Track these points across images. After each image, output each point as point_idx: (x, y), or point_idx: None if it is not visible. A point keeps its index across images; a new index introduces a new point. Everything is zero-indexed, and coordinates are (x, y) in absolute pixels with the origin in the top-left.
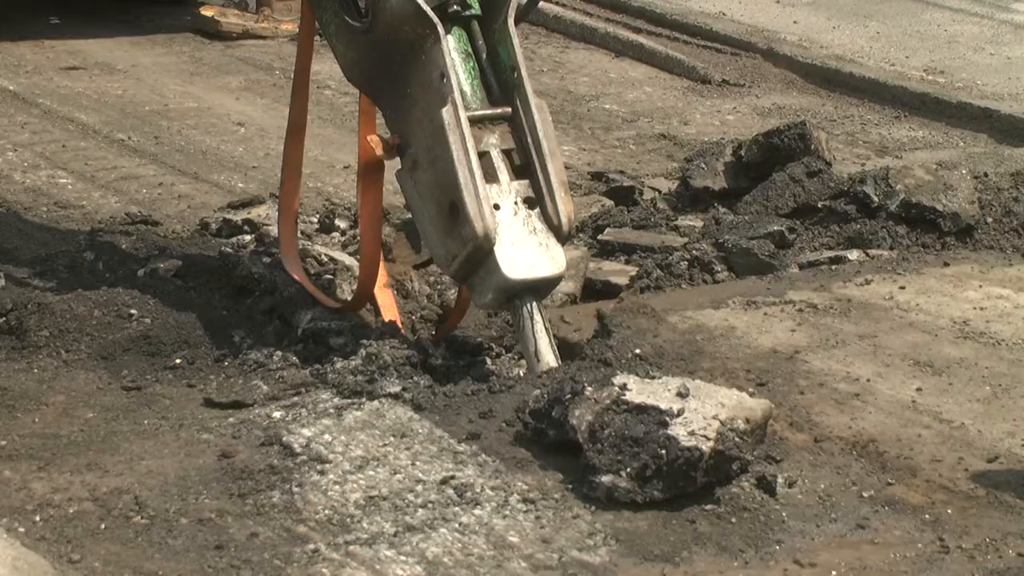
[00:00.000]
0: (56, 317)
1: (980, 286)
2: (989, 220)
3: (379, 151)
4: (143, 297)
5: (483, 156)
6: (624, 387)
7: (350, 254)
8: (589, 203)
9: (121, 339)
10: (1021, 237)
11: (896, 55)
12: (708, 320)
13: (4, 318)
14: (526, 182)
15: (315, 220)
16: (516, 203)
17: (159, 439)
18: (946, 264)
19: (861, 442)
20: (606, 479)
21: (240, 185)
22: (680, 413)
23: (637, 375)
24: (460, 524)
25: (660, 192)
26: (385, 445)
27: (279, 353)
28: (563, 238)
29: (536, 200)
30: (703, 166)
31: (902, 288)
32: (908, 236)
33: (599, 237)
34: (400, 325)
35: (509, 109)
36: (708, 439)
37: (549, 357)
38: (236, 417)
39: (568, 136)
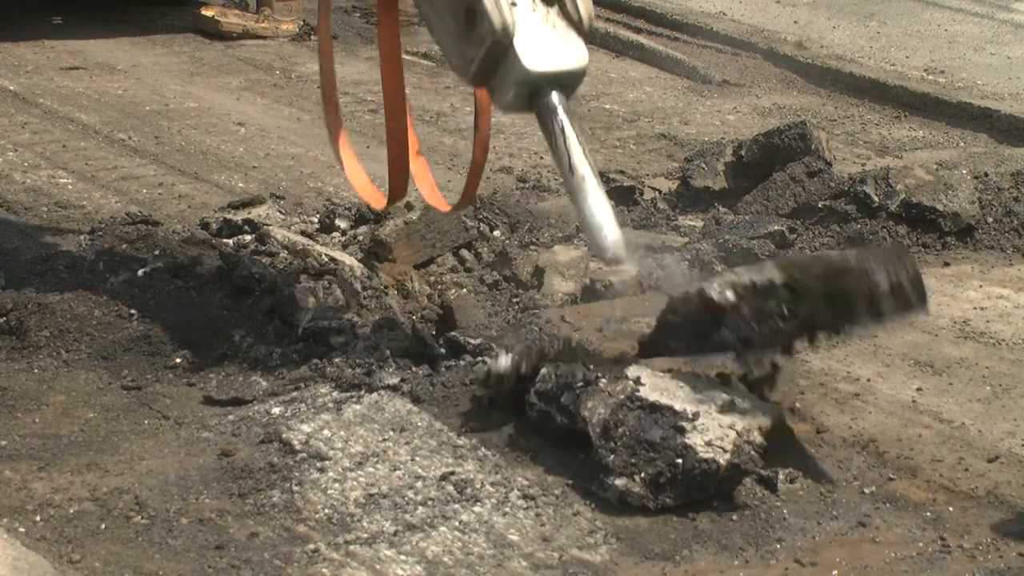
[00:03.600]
0: (56, 317)
1: (980, 286)
2: (989, 220)
3: None
4: (143, 297)
5: None
6: (638, 381)
7: (351, 255)
8: None
9: (121, 339)
10: (1021, 237)
11: (896, 55)
12: None
13: (4, 318)
14: None
15: (315, 220)
16: (534, 1)
17: (159, 439)
18: (946, 264)
19: (861, 442)
20: (620, 483)
21: (240, 185)
22: (696, 417)
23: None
24: (460, 522)
25: (660, 192)
26: (384, 440)
27: (278, 350)
28: (584, 34)
29: None
30: (703, 166)
31: None
32: (908, 236)
33: None
34: (435, 188)
35: None
36: (725, 451)
37: (583, 167)
38: (236, 414)
39: None
